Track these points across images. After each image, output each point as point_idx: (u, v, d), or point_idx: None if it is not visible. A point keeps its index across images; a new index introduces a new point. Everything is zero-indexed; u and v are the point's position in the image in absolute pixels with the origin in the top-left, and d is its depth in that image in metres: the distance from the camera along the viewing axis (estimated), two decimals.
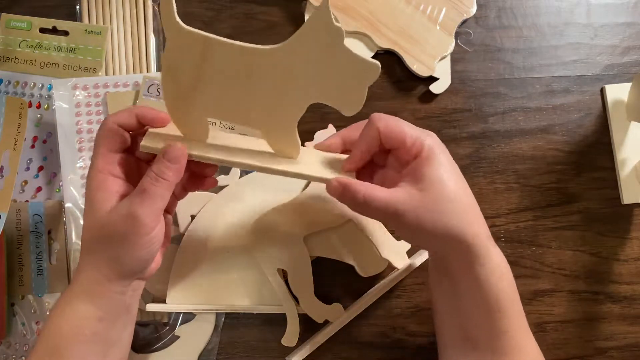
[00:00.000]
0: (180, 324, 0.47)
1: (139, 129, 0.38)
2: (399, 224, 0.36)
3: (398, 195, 0.35)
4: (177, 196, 0.41)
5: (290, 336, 0.46)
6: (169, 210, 0.41)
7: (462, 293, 0.37)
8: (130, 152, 0.38)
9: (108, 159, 0.36)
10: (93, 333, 0.35)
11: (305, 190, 0.48)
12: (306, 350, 0.46)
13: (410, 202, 0.35)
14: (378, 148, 0.38)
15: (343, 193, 0.36)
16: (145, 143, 0.36)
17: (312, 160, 0.39)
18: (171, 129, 0.38)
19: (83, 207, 0.48)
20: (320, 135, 0.50)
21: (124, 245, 0.35)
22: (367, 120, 0.38)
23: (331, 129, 0.50)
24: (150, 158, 0.37)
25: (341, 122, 0.51)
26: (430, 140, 0.37)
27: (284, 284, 0.47)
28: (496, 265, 0.36)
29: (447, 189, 0.35)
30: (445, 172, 0.36)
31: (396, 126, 0.37)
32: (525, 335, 0.37)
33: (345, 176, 0.37)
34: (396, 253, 0.47)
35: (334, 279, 0.49)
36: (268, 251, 0.46)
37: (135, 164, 0.38)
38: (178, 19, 0.32)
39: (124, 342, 0.39)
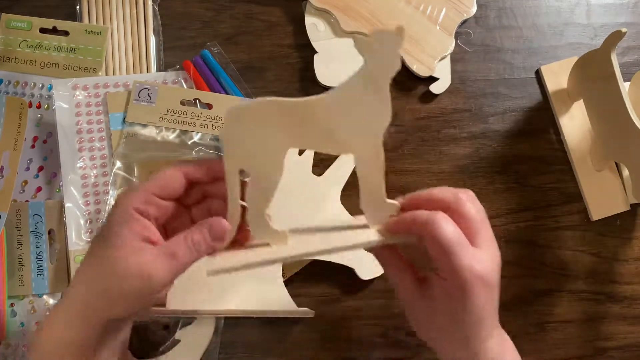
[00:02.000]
0: (181, 328, 0.47)
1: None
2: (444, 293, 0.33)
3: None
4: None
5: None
6: None
7: None
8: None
9: (146, 195, 0.32)
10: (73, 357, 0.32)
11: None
12: (229, 264, 0.36)
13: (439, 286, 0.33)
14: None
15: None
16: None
17: None
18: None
19: (83, 207, 0.48)
20: None
21: (123, 293, 0.31)
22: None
23: None
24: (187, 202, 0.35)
25: None
26: (475, 279, 0.33)
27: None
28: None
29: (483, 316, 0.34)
30: (482, 309, 0.34)
31: (447, 239, 0.32)
32: None
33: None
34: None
35: (334, 279, 0.49)
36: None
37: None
38: None
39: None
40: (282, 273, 0.48)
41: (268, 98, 0.31)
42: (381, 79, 0.31)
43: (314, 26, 0.52)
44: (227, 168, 0.33)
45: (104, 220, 0.41)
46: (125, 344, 0.36)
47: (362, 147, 0.33)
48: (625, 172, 0.51)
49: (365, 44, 0.30)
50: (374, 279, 0.48)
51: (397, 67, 0.30)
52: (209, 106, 0.49)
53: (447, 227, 0.32)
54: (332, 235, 0.37)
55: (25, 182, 0.49)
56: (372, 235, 0.35)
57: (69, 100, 0.49)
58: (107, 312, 0.32)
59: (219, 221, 0.33)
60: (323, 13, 0.52)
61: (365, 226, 0.36)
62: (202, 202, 0.36)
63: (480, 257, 0.33)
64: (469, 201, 0.34)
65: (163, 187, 0.33)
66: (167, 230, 0.35)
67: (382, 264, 0.37)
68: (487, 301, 0.34)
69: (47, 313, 0.47)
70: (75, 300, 0.32)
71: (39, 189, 0.49)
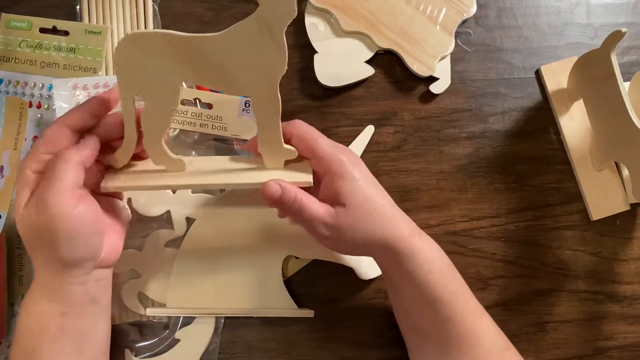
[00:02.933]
0: (180, 327, 0.47)
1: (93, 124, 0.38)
2: (327, 237, 0.37)
3: (329, 210, 0.37)
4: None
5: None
6: (116, 194, 0.41)
7: (401, 291, 0.39)
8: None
9: (31, 155, 0.36)
10: (59, 328, 0.36)
11: None
12: (120, 181, 0.39)
13: (336, 218, 0.37)
14: None
15: (281, 197, 0.37)
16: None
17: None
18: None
19: None
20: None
21: (51, 236, 0.34)
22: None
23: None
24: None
25: (340, 123, 0.52)
26: (340, 156, 0.38)
27: None
28: (424, 259, 0.37)
29: (364, 202, 0.37)
30: (360, 185, 0.37)
31: (311, 136, 0.38)
32: (475, 317, 0.38)
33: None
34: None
35: (334, 279, 0.49)
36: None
37: None
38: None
39: (99, 335, 0.39)
40: (282, 273, 0.48)
41: (163, 30, 0.32)
42: (275, 25, 0.31)
43: (314, 26, 0.52)
44: (121, 94, 0.35)
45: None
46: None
47: (256, 89, 0.34)
48: (625, 172, 0.51)
49: None
50: (374, 279, 0.48)
51: (292, 15, 0.30)
52: (209, 106, 0.49)
53: (305, 126, 0.39)
54: (231, 173, 0.39)
55: None
56: (268, 175, 0.38)
57: (69, 100, 0.49)
58: (65, 264, 0.35)
59: (86, 137, 0.37)
60: (323, 13, 0.52)
61: (263, 168, 0.39)
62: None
63: (340, 149, 0.39)
64: (302, 124, 0.39)
65: (51, 146, 0.36)
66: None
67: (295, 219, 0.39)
68: (369, 176, 0.39)
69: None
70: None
71: None
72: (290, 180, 0.38)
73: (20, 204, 0.36)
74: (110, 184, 0.38)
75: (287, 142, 0.38)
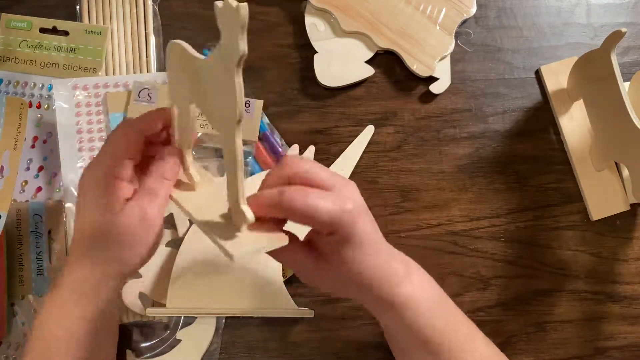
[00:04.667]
0: (181, 328, 0.47)
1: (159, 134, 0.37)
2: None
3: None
4: None
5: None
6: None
7: (394, 335, 0.38)
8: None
9: (119, 162, 0.35)
10: (86, 333, 0.35)
11: None
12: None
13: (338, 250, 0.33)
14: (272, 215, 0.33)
15: (280, 199, 0.31)
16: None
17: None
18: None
19: None
20: (292, 152, 0.50)
21: (134, 246, 0.35)
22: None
23: (295, 148, 0.50)
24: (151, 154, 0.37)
25: (340, 123, 0.52)
26: (344, 215, 0.32)
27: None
28: (413, 304, 0.35)
29: (369, 268, 0.34)
30: (365, 251, 0.33)
31: (301, 203, 0.31)
32: (467, 349, 0.37)
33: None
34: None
35: None
36: None
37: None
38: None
39: (113, 330, 0.40)
40: (282, 273, 0.48)
41: (180, 43, 0.31)
42: (229, 60, 0.27)
43: (314, 26, 0.52)
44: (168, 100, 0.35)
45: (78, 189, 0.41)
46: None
47: (220, 129, 0.30)
48: (625, 172, 0.51)
49: (220, 13, 0.26)
50: None
51: (240, 51, 0.25)
52: None
53: (298, 194, 0.31)
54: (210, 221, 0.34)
55: (25, 182, 0.49)
56: (238, 239, 0.32)
57: (69, 100, 0.49)
58: (122, 272, 0.36)
59: (171, 148, 0.36)
60: (323, 13, 0.52)
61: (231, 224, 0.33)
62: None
63: (340, 195, 0.32)
64: (294, 161, 0.33)
65: (133, 151, 0.36)
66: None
67: (275, 256, 0.35)
68: (372, 225, 0.34)
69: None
70: (82, 281, 0.36)
71: (39, 189, 0.49)
72: (258, 246, 0.32)
73: (110, 206, 0.34)
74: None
75: (288, 184, 0.33)
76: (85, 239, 0.36)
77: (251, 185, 0.44)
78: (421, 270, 0.38)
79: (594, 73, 0.47)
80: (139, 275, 0.47)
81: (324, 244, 0.34)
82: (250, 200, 0.32)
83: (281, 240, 0.32)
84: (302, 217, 0.31)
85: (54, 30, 0.51)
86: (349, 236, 0.32)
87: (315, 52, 0.52)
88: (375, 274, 0.34)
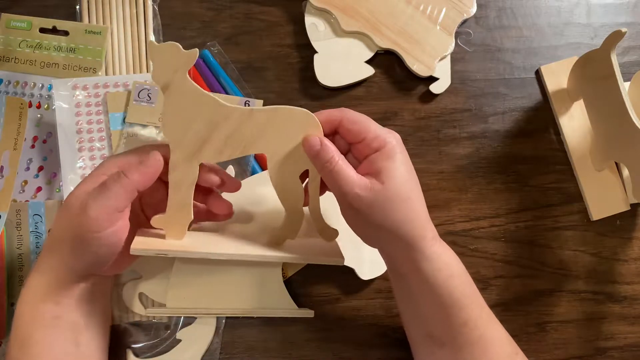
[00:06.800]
0: (181, 328, 0.47)
1: None
2: (353, 210, 0.36)
3: (364, 181, 0.36)
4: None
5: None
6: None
7: (415, 293, 0.38)
8: None
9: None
10: (53, 317, 0.36)
11: None
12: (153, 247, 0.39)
13: (370, 191, 0.35)
14: (328, 130, 0.38)
15: (319, 151, 0.37)
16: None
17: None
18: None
19: None
20: None
21: (75, 235, 0.35)
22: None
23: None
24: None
25: None
26: (393, 139, 0.37)
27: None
28: (444, 264, 0.37)
29: (403, 187, 0.36)
30: (403, 171, 0.36)
31: (360, 120, 0.37)
32: (487, 323, 0.38)
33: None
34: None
35: (334, 279, 0.49)
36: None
37: None
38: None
39: (96, 331, 0.39)
40: (282, 273, 0.48)
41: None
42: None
43: (314, 26, 0.52)
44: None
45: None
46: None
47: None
48: (625, 172, 0.51)
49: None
50: (374, 279, 0.48)
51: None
52: None
53: (355, 112, 0.38)
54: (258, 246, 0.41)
55: (25, 182, 0.49)
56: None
57: (69, 100, 0.49)
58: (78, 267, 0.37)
59: (152, 154, 0.37)
60: (323, 13, 0.52)
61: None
62: None
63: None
64: (350, 111, 0.38)
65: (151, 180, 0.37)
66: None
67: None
68: (410, 165, 0.38)
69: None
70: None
71: (39, 189, 0.49)
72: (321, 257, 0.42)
73: (75, 192, 0.37)
74: (140, 246, 0.38)
75: (336, 127, 0.38)
76: (51, 238, 0.38)
77: (250, 183, 0.44)
78: None
79: (594, 73, 0.47)
80: (139, 275, 0.47)
81: (367, 165, 0.37)
82: (319, 115, 0.38)
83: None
84: (358, 131, 0.37)
85: (54, 30, 0.51)
86: (392, 153, 0.36)
87: (315, 52, 0.52)
88: (410, 207, 0.36)
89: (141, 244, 0.38)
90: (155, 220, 0.39)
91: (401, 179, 0.36)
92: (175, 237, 0.40)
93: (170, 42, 0.34)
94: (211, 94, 0.36)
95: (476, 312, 0.37)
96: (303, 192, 0.40)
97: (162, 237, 0.40)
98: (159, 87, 0.35)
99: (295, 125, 0.37)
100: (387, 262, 0.41)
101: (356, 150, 0.38)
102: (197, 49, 0.34)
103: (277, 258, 0.41)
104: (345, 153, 0.39)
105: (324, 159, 0.36)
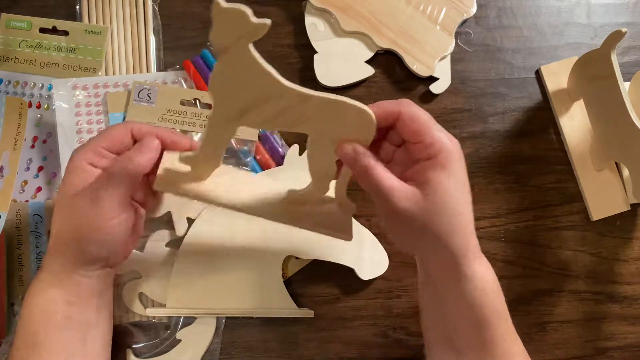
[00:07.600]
0: (181, 328, 0.47)
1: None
2: (396, 218, 0.35)
3: (406, 189, 0.34)
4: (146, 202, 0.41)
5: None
6: (144, 204, 0.41)
7: (447, 305, 0.37)
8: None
9: (92, 155, 0.37)
10: (65, 317, 0.36)
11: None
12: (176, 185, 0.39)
13: (409, 201, 0.34)
14: (384, 124, 0.36)
15: (355, 159, 0.34)
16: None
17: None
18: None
19: None
20: (292, 152, 0.50)
21: (86, 233, 0.36)
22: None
23: (295, 148, 0.49)
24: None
25: None
26: (450, 147, 0.34)
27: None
28: (480, 279, 0.36)
29: (447, 203, 0.34)
30: (452, 184, 0.34)
31: (420, 119, 0.35)
32: (511, 340, 0.37)
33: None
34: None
35: (334, 279, 0.49)
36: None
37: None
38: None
39: (102, 328, 0.40)
40: (282, 273, 0.48)
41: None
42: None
43: (314, 26, 0.52)
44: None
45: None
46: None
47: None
48: (625, 172, 0.51)
49: None
50: (374, 279, 0.48)
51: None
52: (209, 106, 0.49)
53: (417, 108, 0.35)
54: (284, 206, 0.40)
55: (25, 182, 0.49)
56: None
57: (68, 100, 0.49)
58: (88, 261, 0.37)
59: (149, 137, 0.37)
60: (323, 13, 0.52)
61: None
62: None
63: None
64: (412, 104, 0.35)
65: (112, 142, 0.37)
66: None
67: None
68: (463, 177, 0.36)
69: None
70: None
71: (39, 189, 0.49)
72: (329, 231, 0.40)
73: (68, 191, 0.36)
74: (163, 182, 0.38)
75: (393, 121, 0.36)
76: (57, 238, 0.38)
77: (245, 178, 0.44)
78: None
79: (594, 73, 0.47)
80: (139, 275, 0.47)
81: (415, 171, 0.35)
82: (373, 107, 0.35)
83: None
84: (416, 132, 0.34)
85: (54, 30, 0.51)
86: (446, 162, 0.34)
87: (315, 52, 0.52)
88: (454, 217, 0.35)
89: (165, 180, 0.38)
90: (184, 157, 0.38)
91: (447, 193, 0.34)
92: (200, 176, 0.39)
93: (240, 6, 0.32)
94: (272, 70, 0.34)
95: (503, 329, 0.37)
96: (335, 171, 0.38)
97: (183, 177, 0.39)
98: (215, 48, 0.33)
99: (348, 121, 0.34)
100: (419, 267, 0.40)
101: (409, 149, 0.36)
102: (270, 21, 0.31)
103: (290, 222, 0.40)
104: (398, 146, 0.37)
105: (355, 168, 0.35)
